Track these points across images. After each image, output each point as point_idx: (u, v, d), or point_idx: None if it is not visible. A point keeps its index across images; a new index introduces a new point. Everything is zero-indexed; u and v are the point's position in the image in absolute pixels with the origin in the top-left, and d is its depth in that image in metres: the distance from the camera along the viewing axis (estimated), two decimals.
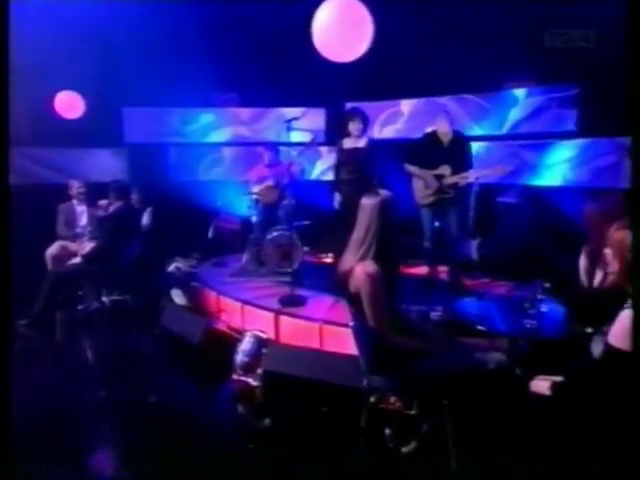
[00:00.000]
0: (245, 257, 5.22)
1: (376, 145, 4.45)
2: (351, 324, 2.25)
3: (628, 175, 4.75)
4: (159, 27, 5.98)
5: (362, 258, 2.03)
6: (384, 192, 2.12)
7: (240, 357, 3.07)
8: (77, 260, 4.42)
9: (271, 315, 3.79)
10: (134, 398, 3.07)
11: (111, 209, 4.49)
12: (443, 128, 4.22)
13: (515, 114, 5.51)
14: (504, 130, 5.62)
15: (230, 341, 3.50)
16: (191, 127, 6.91)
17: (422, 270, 5.22)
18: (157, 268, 5.26)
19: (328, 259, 5.31)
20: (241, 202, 6.43)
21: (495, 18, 5.04)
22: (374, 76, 6.00)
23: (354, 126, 4.30)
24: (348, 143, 4.36)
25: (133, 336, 4.24)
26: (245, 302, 4.04)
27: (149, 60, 6.07)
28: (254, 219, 5.54)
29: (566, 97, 5.14)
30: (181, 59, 6.15)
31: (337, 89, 6.46)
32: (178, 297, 4.26)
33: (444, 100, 6.12)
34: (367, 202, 2.10)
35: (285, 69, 6.42)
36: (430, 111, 6.25)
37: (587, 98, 4.98)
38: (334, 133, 6.47)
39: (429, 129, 4.49)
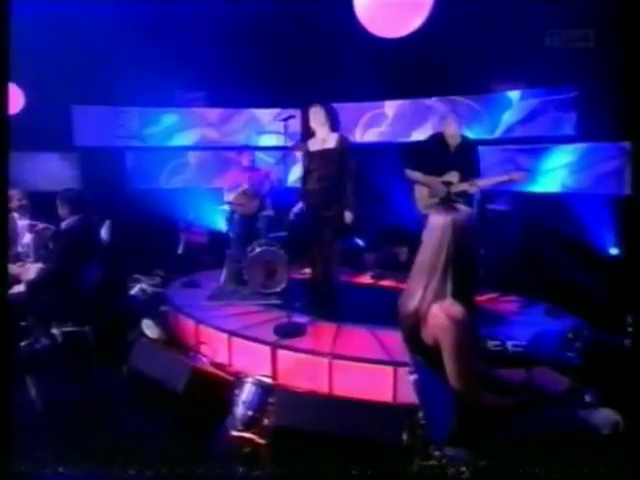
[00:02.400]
0: (223, 276, 4.57)
1: (350, 145, 3.63)
2: (412, 377, 1.73)
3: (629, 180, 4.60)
4: (115, 17, 5.24)
5: (438, 295, 1.51)
6: (461, 207, 1.62)
7: (242, 410, 2.46)
8: (20, 288, 3.60)
9: (266, 349, 3.20)
10: (98, 459, 2.37)
11: (63, 224, 3.71)
12: (451, 130, 3.83)
13: (509, 117, 5.23)
14: (497, 134, 5.32)
15: (220, 385, 2.88)
16: (151, 129, 6.16)
17: None
18: (119, 291, 4.53)
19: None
20: (210, 212, 5.81)
21: (490, 16, 4.72)
22: (356, 75, 5.55)
23: (318, 122, 3.53)
24: (314, 145, 3.61)
25: (94, 378, 3.48)
26: (232, 333, 3.41)
27: (103, 53, 5.32)
28: (231, 232, 4.92)
29: (564, 100, 4.91)
30: (140, 53, 5.43)
31: (315, 89, 5.96)
32: (150, 329, 3.56)
33: (431, 102, 5.78)
34: (437, 220, 1.59)
35: (258, 66, 5.84)
36: (416, 113, 5.90)
37: (586, 101, 4.75)
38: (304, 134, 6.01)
39: (436, 131, 4.07)
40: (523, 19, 4.50)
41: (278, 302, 4.11)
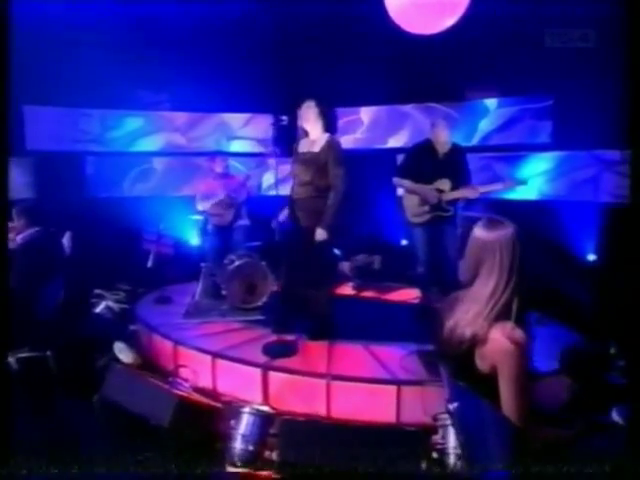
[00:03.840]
0: (199, 291, 4.26)
1: (339, 149, 3.21)
2: (452, 406, 1.56)
3: (609, 189, 4.69)
4: (73, 13, 4.84)
5: (497, 319, 1.36)
6: (506, 221, 1.48)
7: (240, 445, 2.21)
8: None
9: (256, 371, 2.95)
10: None
11: (19, 239, 3.31)
12: (441, 137, 3.71)
13: (486, 125, 5.24)
14: (474, 141, 5.31)
15: (210, 415, 2.60)
16: (114, 133, 5.74)
17: (407, 296, 4.70)
18: (82, 310, 4.12)
19: None
20: (180, 222, 5.46)
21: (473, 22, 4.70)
22: (330, 80, 5.41)
23: (309, 121, 3.14)
24: (302, 146, 3.25)
25: (58, 411, 3.10)
26: (217, 354, 3.13)
27: (60, 50, 4.89)
28: (205, 243, 4.62)
29: (540, 108, 4.96)
30: (102, 50, 5.04)
31: (287, 93, 5.77)
32: (123, 353, 3.21)
33: (408, 108, 5.72)
34: (488, 236, 1.44)
35: (227, 69, 5.58)
36: (393, 120, 5.83)
37: (562, 109, 4.82)
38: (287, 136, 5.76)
39: (425, 138, 3.95)
40: (515, 21, 4.46)
41: (261, 317, 3.87)
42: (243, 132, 6.12)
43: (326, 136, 3.22)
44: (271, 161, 6.02)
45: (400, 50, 5.28)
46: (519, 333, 1.32)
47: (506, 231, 1.43)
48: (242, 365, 3.00)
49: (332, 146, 3.19)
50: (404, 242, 5.85)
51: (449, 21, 1.91)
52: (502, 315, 1.36)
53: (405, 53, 5.25)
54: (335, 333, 3.39)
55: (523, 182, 3.74)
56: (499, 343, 1.32)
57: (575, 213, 4.72)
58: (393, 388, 2.72)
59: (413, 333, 3.59)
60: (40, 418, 2.96)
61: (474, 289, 1.44)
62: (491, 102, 5.21)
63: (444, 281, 3.91)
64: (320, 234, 3.19)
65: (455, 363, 1.45)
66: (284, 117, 3.22)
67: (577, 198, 4.72)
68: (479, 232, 1.48)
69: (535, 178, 5.02)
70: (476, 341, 1.36)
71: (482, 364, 1.36)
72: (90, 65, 5.04)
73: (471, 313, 1.40)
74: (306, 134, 3.26)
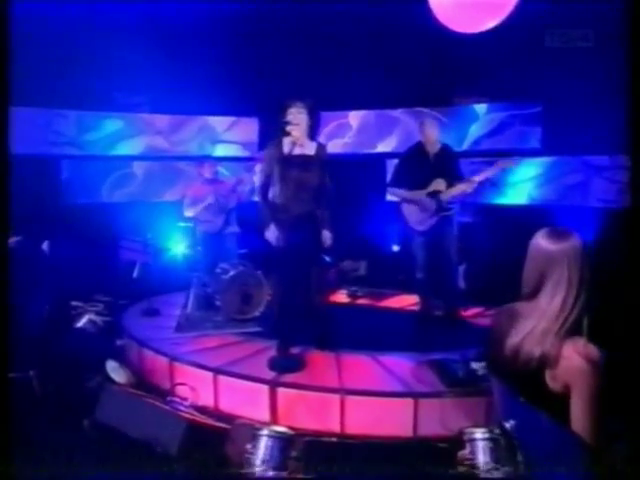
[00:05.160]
0: (190, 302, 4.05)
1: (328, 157, 3.14)
2: (509, 424, 1.46)
3: (598, 194, 4.76)
4: (48, 10, 4.56)
5: (568, 334, 1.27)
6: (571, 231, 1.40)
7: (261, 472, 2.04)
8: None
9: (264, 388, 2.79)
10: None
11: None
12: (431, 135, 3.67)
13: (476, 130, 5.25)
14: (464, 146, 5.31)
15: (221, 437, 2.42)
16: (91, 135, 5.44)
17: (404, 302, 4.63)
18: (65, 325, 3.84)
19: None
20: (161, 230, 5.23)
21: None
22: (318, 83, 5.30)
23: (297, 126, 2.97)
24: (290, 150, 3.02)
25: (45, 437, 2.84)
26: (219, 371, 2.96)
27: (31, 46, 4.57)
28: (195, 251, 4.42)
29: (530, 115, 5.01)
30: (79, 49, 4.78)
31: (273, 96, 5.62)
32: (116, 373, 2.98)
33: (397, 113, 5.68)
34: (554, 247, 1.35)
35: (211, 70, 5.39)
36: (382, 125, 5.78)
37: (552, 115, 4.88)
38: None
39: (415, 141, 3.88)
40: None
41: (258, 329, 3.71)
42: (228, 136, 5.94)
43: (314, 142, 3.12)
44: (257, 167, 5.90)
45: (389, 54, 5.25)
46: (593, 350, 1.24)
47: (573, 242, 1.35)
48: (247, 381, 2.84)
49: (323, 150, 3.13)
50: (394, 248, 5.80)
51: (493, 22, 1.84)
52: (573, 331, 1.28)
53: (395, 57, 5.22)
54: (340, 342, 3.27)
55: (514, 160, 3.73)
56: (573, 361, 1.24)
57: (565, 218, 4.77)
58: (410, 401, 2.63)
59: (417, 342, 3.53)
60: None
61: (539, 303, 1.35)
62: (481, 107, 5.23)
63: (445, 286, 3.86)
64: (327, 237, 3.14)
65: (519, 381, 1.36)
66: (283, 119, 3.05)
67: (566, 203, 4.77)
68: (544, 242, 1.39)
69: (525, 183, 5.07)
70: (547, 360, 1.27)
71: (554, 383, 1.27)
72: (64, 63, 4.77)
73: (539, 330, 1.30)
74: (293, 138, 3.05)
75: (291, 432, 2.17)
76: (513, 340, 1.36)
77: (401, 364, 3.06)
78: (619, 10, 2.51)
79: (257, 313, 3.84)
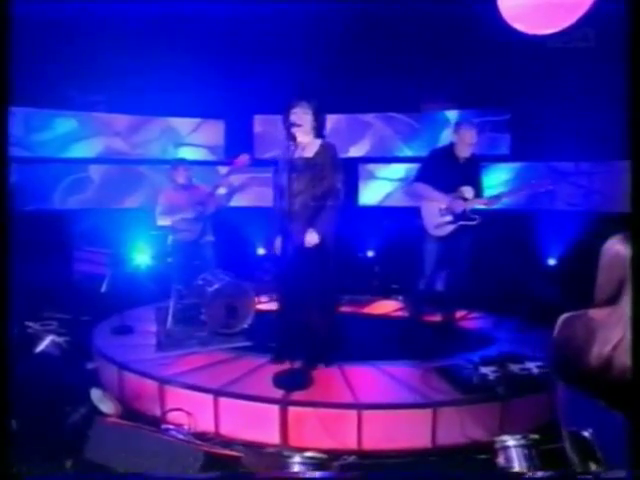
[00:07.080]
0: (170, 318, 3.73)
1: (337, 156, 2.98)
2: (588, 433, 1.40)
3: (564, 198, 4.99)
4: None
5: None
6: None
7: None
8: None
9: (273, 408, 2.60)
10: None
11: None
12: (467, 138, 3.43)
13: (447, 136, 5.31)
14: None
15: (237, 466, 2.21)
16: (42, 136, 4.92)
17: (386, 309, 4.58)
18: (27, 349, 3.39)
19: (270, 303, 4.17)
20: (124, 239, 4.84)
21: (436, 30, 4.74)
22: (287, 86, 5.15)
23: (298, 121, 2.84)
24: (291, 153, 2.86)
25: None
26: (219, 393, 2.72)
27: None
28: (169, 262, 4.09)
29: (499, 121, 5.16)
30: (27, 41, 4.29)
31: (241, 98, 5.41)
32: (102, 402, 2.64)
33: (369, 118, 5.65)
34: (622, 249, 1.33)
35: (175, 69, 5.08)
36: (354, 129, 5.72)
37: (520, 122, 5.06)
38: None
39: (447, 142, 3.74)
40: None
41: (247, 343, 3.49)
42: (192, 138, 5.62)
43: (319, 141, 2.98)
44: (221, 169, 5.63)
45: (361, 58, 5.21)
46: None
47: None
48: (254, 402, 2.64)
49: (328, 150, 2.95)
50: (368, 253, 5.75)
51: (568, 22, 1.80)
52: None
53: (366, 61, 5.19)
54: (340, 354, 3.14)
55: (547, 183, 3.55)
56: None
57: (533, 220, 4.97)
58: (429, 411, 2.55)
59: (415, 349, 3.45)
60: None
61: (620, 310, 1.31)
62: (452, 114, 5.31)
63: (448, 294, 3.77)
64: (311, 237, 2.82)
65: (606, 389, 1.31)
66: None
67: (535, 207, 4.94)
68: (622, 248, 1.35)
69: (495, 188, 5.20)
70: (614, 362, 1.23)
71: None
72: (11, 57, 4.27)
73: (629, 337, 1.27)
74: (294, 139, 2.93)
75: (324, 456, 2.01)
76: (601, 349, 1.31)
77: (409, 373, 2.99)
78: (619, 10, 2.54)
79: (245, 326, 3.62)
